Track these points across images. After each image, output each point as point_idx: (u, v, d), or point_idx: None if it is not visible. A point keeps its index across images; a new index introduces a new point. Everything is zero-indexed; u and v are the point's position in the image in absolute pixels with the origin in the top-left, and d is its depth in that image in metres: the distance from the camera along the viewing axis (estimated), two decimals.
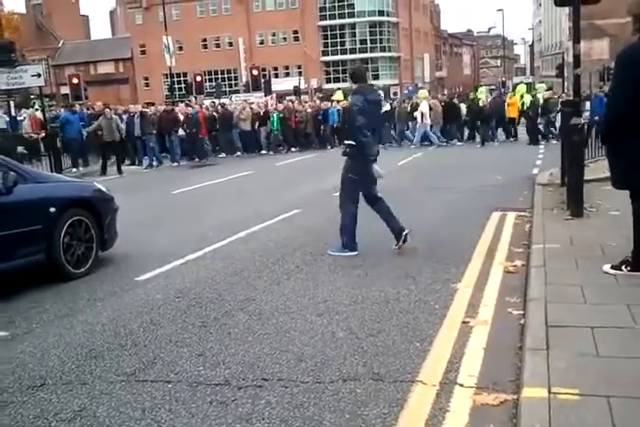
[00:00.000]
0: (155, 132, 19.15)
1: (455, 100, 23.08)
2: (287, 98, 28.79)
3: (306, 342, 4.18)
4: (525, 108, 21.48)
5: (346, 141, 6.85)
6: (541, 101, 21.18)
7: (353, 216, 6.73)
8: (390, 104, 23.52)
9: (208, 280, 5.91)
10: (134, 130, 18.73)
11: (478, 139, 21.80)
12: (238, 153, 21.62)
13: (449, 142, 22.06)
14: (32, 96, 27.16)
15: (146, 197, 12.12)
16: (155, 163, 19.08)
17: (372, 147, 6.63)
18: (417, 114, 21.96)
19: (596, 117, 18.61)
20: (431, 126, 22.08)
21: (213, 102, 25.35)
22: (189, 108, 20.94)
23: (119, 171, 17.32)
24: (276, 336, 4.32)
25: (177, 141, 19.64)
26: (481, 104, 21.95)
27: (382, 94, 17.88)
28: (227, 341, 4.29)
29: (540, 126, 21.01)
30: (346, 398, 3.34)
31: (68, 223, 6.17)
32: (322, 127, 23.21)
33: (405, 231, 6.66)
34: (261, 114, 22.33)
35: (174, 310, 5.05)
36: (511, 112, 21.50)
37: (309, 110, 23.08)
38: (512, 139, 21.77)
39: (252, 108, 22.51)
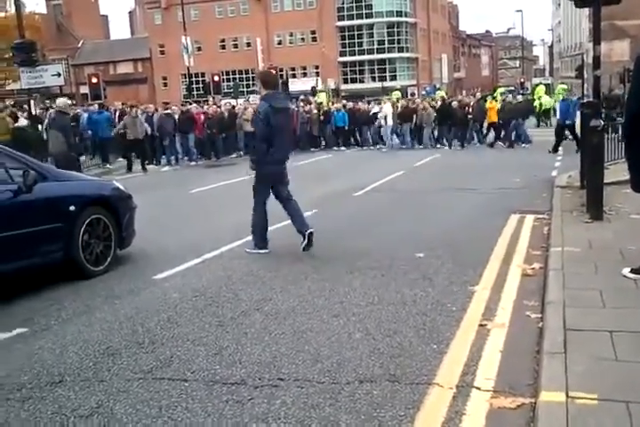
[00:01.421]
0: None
1: (454, 103, 22.84)
2: (300, 98, 28.80)
3: (322, 343, 4.18)
4: (544, 109, 21.35)
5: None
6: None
7: (262, 216, 6.95)
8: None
9: (225, 279, 5.93)
10: (162, 129, 19.00)
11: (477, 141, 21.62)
12: (240, 153, 21.30)
13: (435, 146, 21.88)
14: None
15: (164, 196, 12.17)
16: (173, 162, 19.25)
17: (276, 152, 6.79)
18: (380, 115, 21.99)
19: (567, 121, 18.47)
20: (400, 128, 22.25)
21: (229, 103, 25.44)
22: (210, 108, 21.12)
23: (144, 169, 17.55)
24: (293, 336, 4.33)
25: (194, 141, 19.74)
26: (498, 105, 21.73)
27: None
28: (243, 340, 4.30)
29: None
30: (362, 400, 3.33)
31: (87, 222, 6.22)
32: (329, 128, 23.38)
33: (308, 231, 6.88)
34: None
35: (191, 309, 5.07)
36: (492, 116, 21.28)
37: (315, 111, 23.17)
38: (503, 143, 21.10)
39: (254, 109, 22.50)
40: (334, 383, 3.55)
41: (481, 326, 4.37)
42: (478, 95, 24.67)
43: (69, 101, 14.59)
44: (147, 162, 18.10)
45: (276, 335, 4.37)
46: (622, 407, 2.93)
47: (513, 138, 20.95)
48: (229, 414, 3.26)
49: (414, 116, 21.91)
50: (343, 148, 23.12)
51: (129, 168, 17.74)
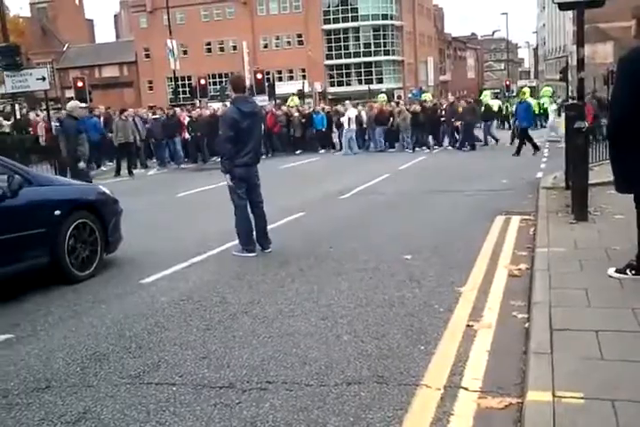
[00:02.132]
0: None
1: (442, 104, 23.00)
2: (348, 102, 28.77)
3: (310, 346, 4.18)
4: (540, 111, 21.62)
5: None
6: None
7: (244, 220, 6.98)
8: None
9: (212, 283, 5.92)
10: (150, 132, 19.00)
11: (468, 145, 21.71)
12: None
13: (414, 150, 21.88)
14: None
15: (150, 200, 12.13)
16: (159, 166, 19.23)
17: (246, 155, 6.85)
18: (343, 120, 22.04)
19: (525, 124, 18.77)
20: (364, 132, 22.45)
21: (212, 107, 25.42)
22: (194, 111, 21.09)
23: (130, 173, 17.45)
24: (281, 339, 4.33)
25: (180, 145, 19.72)
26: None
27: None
28: (231, 344, 4.30)
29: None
30: (350, 402, 3.34)
31: (72, 226, 6.19)
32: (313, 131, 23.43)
33: (267, 250, 7.04)
34: None
35: (179, 313, 5.06)
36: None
37: (296, 114, 23.19)
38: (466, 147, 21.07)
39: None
40: (322, 386, 3.55)
41: (468, 326, 4.39)
42: (450, 98, 24.62)
43: (82, 104, 14.31)
44: (133, 166, 18.02)
45: (263, 338, 4.37)
46: (608, 406, 2.95)
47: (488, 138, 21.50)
48: (218, 418, 3.25)
49: (390, 120, 21.92)
50: (322, 150, 23.15)
51: (117, 172, 17.64)
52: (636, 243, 4.94)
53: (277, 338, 4.36)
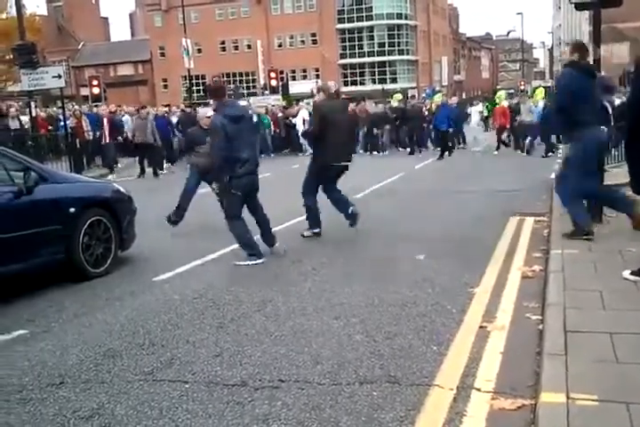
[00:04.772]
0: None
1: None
2: (305, 101, 28.81)
3: (322, 345, 4.18)
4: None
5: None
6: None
7: (241, 228, 6.64)
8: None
9: (225, 281, 5.94)
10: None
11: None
12: None
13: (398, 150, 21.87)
14: None
15: (165, 198, 12.16)
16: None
17: (247, 162, 6.53)
18: (295, 120, 21.98)
19: (450, 129, 18.94)
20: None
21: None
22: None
23: (155, 174, 16.91)
24: (293, 338, 4.33)
25: None
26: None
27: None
28: (244, 342, 4.31)
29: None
30: (362, 401, 3.34)
31: (87, 224, 6.23)
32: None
33: (274, 244, 6.87)
34: None
35: (191, 311, 5.08)
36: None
37: (280, 115, 23.13)
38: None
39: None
40: (335, 385, 3.55)
41: (481, 327, 4.37)
42: (439, 99, 24.28)
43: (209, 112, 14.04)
44: (158, 167, 17.38)
45: (276, 337, 4.38)
46: (622, 408, 2.93)
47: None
48: (230, 416, 3.27)
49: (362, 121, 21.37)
50: None
51: (142, 172, 16.93)
52: None
53: (290, 337, 4.36)
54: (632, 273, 5.01)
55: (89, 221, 6.26)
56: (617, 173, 9.83)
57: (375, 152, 21.78)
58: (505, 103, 20.80)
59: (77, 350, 4.30)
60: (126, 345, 4.37)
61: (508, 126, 20.03)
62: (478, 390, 3.41)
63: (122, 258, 6.80)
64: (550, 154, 17.84)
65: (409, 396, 3.37)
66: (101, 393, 3.62)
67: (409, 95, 28.45)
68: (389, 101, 24.42)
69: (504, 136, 20.39)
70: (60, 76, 16.85)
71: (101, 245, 6.40)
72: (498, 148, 20.03)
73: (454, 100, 24.22)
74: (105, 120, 18.72)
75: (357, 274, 5.95)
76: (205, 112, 8.53)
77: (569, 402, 3.02)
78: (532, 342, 4.02)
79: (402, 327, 4.43)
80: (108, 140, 18.43)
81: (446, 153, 19.02)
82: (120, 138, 19.10)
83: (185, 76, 43.88)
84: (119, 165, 19.20)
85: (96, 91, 22.90)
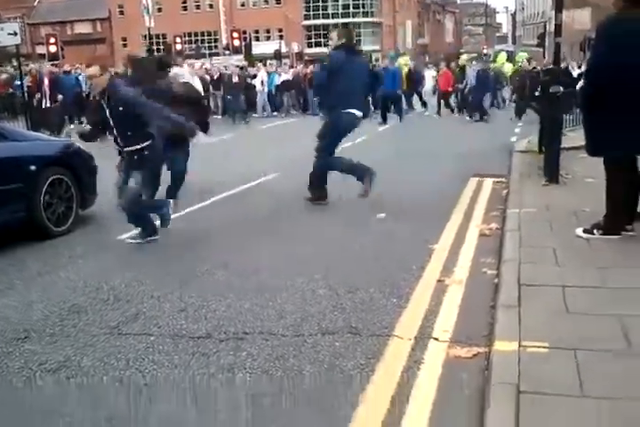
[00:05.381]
0: None
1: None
2: (268, 62, 28.47)
3: (286, 300, 4.27)
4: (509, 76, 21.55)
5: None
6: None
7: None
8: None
9: (189, 239, 5.97)
10: None
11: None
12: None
13: None
14: None
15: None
16: None
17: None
18: (255, 81, 21.80)
19: (399, 91, 18.53)
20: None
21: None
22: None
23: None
24: (257, 293, 4.41)
25: None
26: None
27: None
28: (208, 297, 4.37)
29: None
30: (325, 351, 3.45)
31: (48, 182, 6.17)
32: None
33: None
34: None
35: (156, 267, 5.12)
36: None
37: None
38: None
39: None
40: (298, 336, 3.65)
41: (439, 282, 4.51)
42: (403, 62, 24.01)
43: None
44: None
45: (240, 292, 4.45)
46: (570, 355, 3.09)
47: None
48: (196, 366, 3.34)
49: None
50: (294, 112, 22.88)
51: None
52: (604, 204, 5.09)
53: (254, 292, 4.44)
54: (585, 231, 5.19)
55: (50, 180, 6.20)
56: (574, 137, 10.05)
57: None
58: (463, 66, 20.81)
59: (42, 306, 4.32)
60: (91, 301, 4.40)
61: (450, 90, 20.15)
62: (436, 339, 3.55)
63: (84, 217, 6.76)
64: (485, 117, 18.19)
65: (369, 346, 3.49)
66: (67, 346, 3.66)
67: (373, 58, 28.17)
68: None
69: (451, 100, 20.46)
70: (15, 34, 16.33)
71: (63, 203, 6.35)
72: (438, 111, 20.16)
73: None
74: (45, 80, 17.14)
75: (319, 231, 6.04)
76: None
77: (520, 349, 3.17)
78: (487, 296, 4.17)
79: (363, 282, 4.54)
80: (48, 104, 16.94)
81: (398, 117, 18.58)
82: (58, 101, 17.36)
83: (145, 36, 42.74)
84: (71, 126, 18.73)
85: (53, 49, 22.23)
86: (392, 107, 18.45)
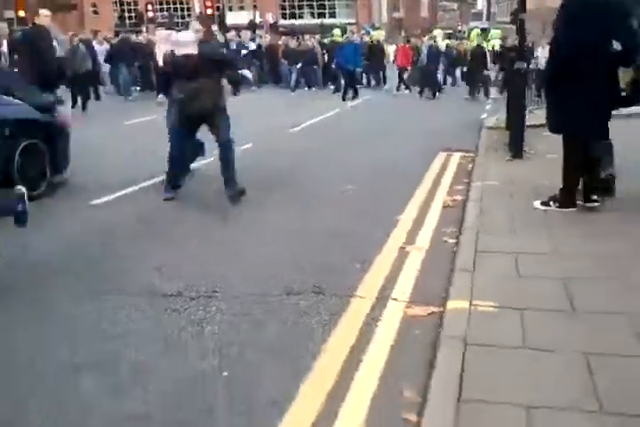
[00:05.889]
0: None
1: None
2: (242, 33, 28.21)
3: (254, 263, 4.47)
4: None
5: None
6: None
7: None
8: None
9: (161, 206, 6.11)
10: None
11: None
12: None
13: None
14: None
15: (99, 128, 12.01)
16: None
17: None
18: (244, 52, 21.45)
19: (353, 67, 17.79)
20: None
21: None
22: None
23: (83, 108, 15.47)
24: (227, 258, 4.60)
25: (127, 72, 19.19)
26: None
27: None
28: (182, 260, 4.55)
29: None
30: (289, 308, 3.67)
31: (21, 146, 6.23)
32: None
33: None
34: None
35: (129, 232, 5.27)
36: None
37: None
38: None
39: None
40: (264, 295, 3.86)
41: (401, 248, 4.74)
42: (378, 35, 23.84)
43: None
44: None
45: (211, 257, 4.63)
46: (517, 313, 3.35)
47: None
48: (168, 321, 3.54)
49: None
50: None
51: (74, 103, 15.37)
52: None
53: (225, 257, 4.63)
54: (542, 203, 5.46)
55: (23, 144, 6.26)
56: (540, 115, 10.31)
57: (313, 88, 21.57)
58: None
59: (14, 271, 4.42)
60: (66, 263, 4.54)
61: (408, 67, 20.00)
62: (395, 299, 3.78)
63: (57, 184, 6.84)
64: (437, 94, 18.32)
65: (332, 305, 3.71)
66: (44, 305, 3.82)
67: (347, 31, 27.99)
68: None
69: (405, 76, 20.04)
70: None
71: (36, 168, 6.42)
72: (398, 88, 19.78)
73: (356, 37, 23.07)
74: (4, 42, 16.21)
75: (287, 203, 6.22)
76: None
77: (471, 308, 3.42)
78: (446, 261, 4.41)
79: (328, 249, 4.75)
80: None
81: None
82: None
83: (116, 2, 42.01)
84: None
85: (22, 14, 21.83)
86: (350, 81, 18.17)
